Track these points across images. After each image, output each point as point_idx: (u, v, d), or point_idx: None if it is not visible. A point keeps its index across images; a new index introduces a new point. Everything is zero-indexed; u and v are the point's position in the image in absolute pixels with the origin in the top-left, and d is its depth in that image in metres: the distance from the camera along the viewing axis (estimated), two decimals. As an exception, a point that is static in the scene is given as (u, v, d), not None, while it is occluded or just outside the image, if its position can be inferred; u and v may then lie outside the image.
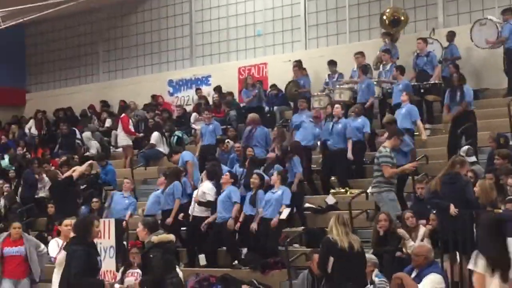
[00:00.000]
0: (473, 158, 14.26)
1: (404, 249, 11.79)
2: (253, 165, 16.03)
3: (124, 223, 15.82)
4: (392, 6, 20.58)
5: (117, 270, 10.99)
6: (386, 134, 14.46)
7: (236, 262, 14.72)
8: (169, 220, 15.47)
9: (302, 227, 15.02)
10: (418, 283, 10.02)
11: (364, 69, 18.50)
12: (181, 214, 15.62)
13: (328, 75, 20.15)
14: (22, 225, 14.42)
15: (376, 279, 10.62)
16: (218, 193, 15.33)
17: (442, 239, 11.30)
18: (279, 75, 21.83)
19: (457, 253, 11.11)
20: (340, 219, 9.66)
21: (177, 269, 10.14)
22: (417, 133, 16.49)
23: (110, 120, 24.41)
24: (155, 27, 26.14)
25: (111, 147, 23.30)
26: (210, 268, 14.86)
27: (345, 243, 9.39)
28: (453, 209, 11.27)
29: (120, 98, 25.05)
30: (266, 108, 21.24)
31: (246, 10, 24.14)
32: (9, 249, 12.75)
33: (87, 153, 22.44)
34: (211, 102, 22.61)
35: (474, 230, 10.46)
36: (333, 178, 16.53)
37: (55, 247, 11.62)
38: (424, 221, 12.33)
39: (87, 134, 23.63)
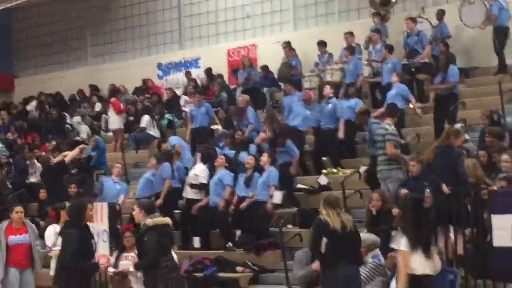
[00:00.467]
0: (466, 136, 14.24)
1: None
2: (240, 147, 16.12)
3: (117, 207, 15.73)
4: (381, -15, 20.49)
5: (111, 254, 10.92)
6: (379, 111, 14.46)
7: (230, 244, 14.73)
8: (159, 201, 15.31)
9: (296, 208, 15.03)
10: None
11: (351, 49, 18.48)
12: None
13: (318, 55, 20.10)
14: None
15: (370, 260, 10.55)
16: (211, 176, 15.29)
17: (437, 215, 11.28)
18: (269, 57, 21.71)
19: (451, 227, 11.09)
20: (327, 200, 9.48)
21: (172, 252, 10.12)
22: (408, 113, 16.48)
23: (100, 104, 24.31)
24: (143, 10, 25.97)
25: (101, 131, 23.22)
26: (204, 251, 14.85)
27: (337, 223, 9.29)
28: (445, 189, 11.26)
29: (109, 82, 24.89)
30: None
31: (235, -9, 24.04)
32: (14, 238, 12.08)
33: (77, 138, 22.35)
34: (200, 85, 22.55)
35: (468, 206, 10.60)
36: (324, 158, 16.55)
37: (51, 235, 11.56)
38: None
39: (77, 118, 23.58)
